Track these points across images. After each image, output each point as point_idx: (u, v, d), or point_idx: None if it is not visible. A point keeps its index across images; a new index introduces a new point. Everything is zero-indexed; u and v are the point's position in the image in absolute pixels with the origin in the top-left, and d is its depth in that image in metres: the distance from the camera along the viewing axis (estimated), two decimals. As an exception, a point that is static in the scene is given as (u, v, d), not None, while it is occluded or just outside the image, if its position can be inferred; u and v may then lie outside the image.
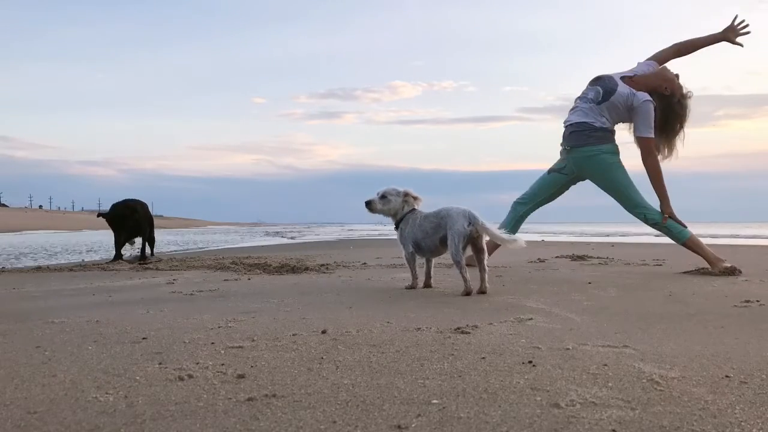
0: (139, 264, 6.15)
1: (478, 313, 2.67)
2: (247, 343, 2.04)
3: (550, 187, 4.82)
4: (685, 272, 4.41)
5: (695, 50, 4.77)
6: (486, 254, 3.44)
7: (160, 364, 1.76)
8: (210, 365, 1.73)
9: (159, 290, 3.80)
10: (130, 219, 6.69)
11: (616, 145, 4.59)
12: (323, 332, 2.20)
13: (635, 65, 4.74)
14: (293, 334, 2.18)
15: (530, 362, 1.73)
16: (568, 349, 1.90)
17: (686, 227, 4.48)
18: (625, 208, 4.59)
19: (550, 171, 4.83)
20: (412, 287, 3.64)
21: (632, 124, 4.55)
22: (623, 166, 4.59)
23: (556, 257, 6.12)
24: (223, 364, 1.74)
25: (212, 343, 2.05)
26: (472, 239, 3.38)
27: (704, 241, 4.83)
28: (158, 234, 7.95)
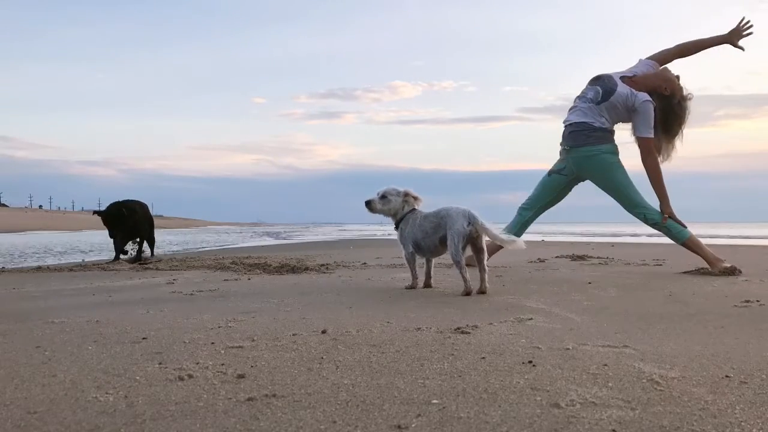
0: (139, 264, 6.15)
1: (478, 313, 2.67)
2: (247, 343, 2.04)
3: (551, 189, 4.82)
4: (685, 272, 4.40)
5: (699, 51, 4.77)
6: (486, 254, 3.44)
7: (160, 364, 1.76)
8: (210, 365, 1.74)
9: (159, 290, 3.80)
10: (129, 219, 6.68)
11: (616, 145, 4.60)
12: (323, 332, 2.20)
13: (636, 62, 4.74)
14: (293, 334, 2.18)
15: (530, 362, 1.73)
16: (568, 349, 1.90)
17: (686, 227, 4.48)
18: (625, 208, 4.59)
19: (550, 173, 4.83)
20: (412, 287, 3.64)
21: (632, 124, 4.55)
22: (623, 166, 4.59)
23: (556, 257, 6.12)
24: (223, 364, 1.74)
25: (212, 343, 2.05)
26: (472, 239, 3.38)
27: (704, 241, 4.83)
28: (158, 234, 7.95)
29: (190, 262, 6.21)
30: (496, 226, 3.51)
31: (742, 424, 1.24)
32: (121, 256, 6.86)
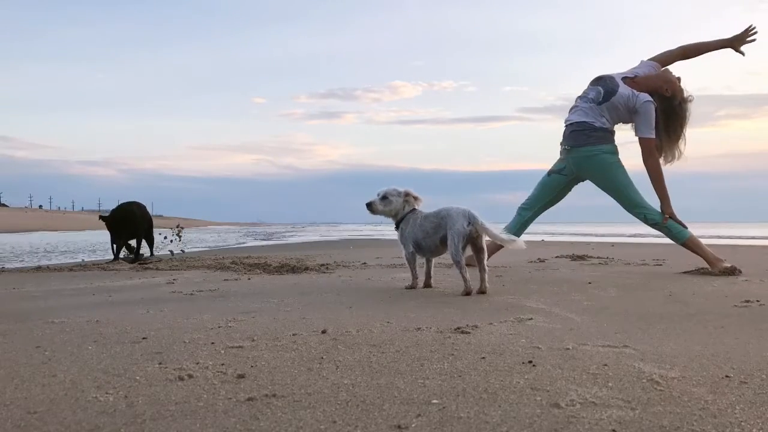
0: (139, 264, 6.16)
1: (478, 313, 2.67)
2: (247, 343, 2.04)
3: (551, 189, 4.82)
4: (685, 272, 4.41)
5: (701, 54, 4.78)
6: (486, 254, 3.44)
7: (160, 364, 1.76)
8: (210, 365, 1.74)
9: (159, 290, 3.80)
10: (129, 223, 7.01)
11: (616, 146, 4.60)
12: (323, 332, 2.20)
13: (638, 63, 4.75)
14: (293, 334, 2.18)
15: (530, 362, 1.73)
16: (568, 349, 1.90)
17: (686, 227, 4.48)
18: (625, 208, 4.59)
19: (550, 173, 4.83)
20: (412, 287, 3.64)
21: (633, 125, 4.56)
22: (623, 166, 4.59)
23: (556, 257, 6.12)
24: (223, 364, 1.74)
25: (212, 343, 2.05)
26: (472, 239, 3.38)
27: (704, 241, 4.83)
28: (158, 234, 7.98)
29: (190, 262, 6.21)
30: (496, 226, 3.51)
31: (742, 424, 1.24)
32: (121, 256, 6.92)
